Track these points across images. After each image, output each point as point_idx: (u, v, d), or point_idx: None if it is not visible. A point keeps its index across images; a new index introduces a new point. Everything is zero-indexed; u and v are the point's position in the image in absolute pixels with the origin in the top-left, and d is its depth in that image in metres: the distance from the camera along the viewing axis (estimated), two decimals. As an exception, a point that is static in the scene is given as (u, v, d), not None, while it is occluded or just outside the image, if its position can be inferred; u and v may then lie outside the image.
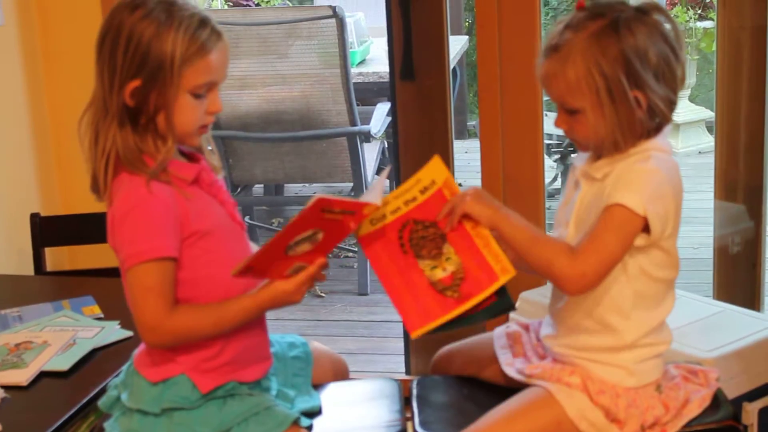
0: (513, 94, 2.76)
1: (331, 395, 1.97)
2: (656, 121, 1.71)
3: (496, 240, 1.71)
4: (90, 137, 1.70)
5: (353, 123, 3.95)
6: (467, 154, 5.45)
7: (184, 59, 1.64)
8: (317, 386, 1.95)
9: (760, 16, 2.81)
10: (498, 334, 1.97)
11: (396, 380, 2.06)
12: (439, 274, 1.72)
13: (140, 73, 1.64)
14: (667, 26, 1.71)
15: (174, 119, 1.67)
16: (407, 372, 3.12)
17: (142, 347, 1.77)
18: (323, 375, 1.99)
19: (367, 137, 4.02)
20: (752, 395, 2.30)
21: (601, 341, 1.76)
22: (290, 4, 6.48)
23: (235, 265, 1.64)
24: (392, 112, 3.05)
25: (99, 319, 2.15)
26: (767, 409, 2.29)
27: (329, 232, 1.63)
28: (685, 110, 5.55)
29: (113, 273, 1.73)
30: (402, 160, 3.00)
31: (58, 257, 2.95)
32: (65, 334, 2.04)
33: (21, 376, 1.89)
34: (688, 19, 5.60)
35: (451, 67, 3.04)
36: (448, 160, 2.97)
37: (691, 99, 5.79)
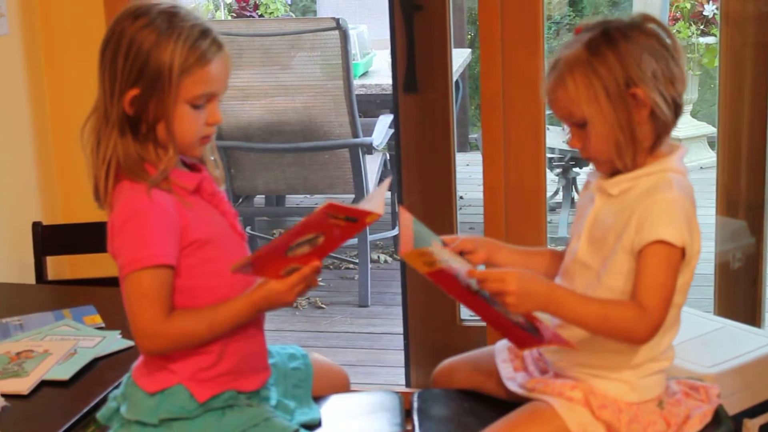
0: (515, 107, 2.77)
1: (332, 407, 1.96)
2: (660, 123, 1.70)
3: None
4: (92, 144, 1.71)
5: (355, 135, 3.96)
6: (469, 167, 5.45)
7: (182, 69, 1.65)
8: (317, 398, 1.95)
9: (763, 32, 2.82)
10: (500, 347, 1.96)
11: (397, 393, 2.05)
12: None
13: (139, 82, 1.65)
14: (661, 32, 1.72)
15: (173, 129, 1.67)
16: (407, 384, 3.11)
17: (140, 359, 1.77)
18: (323, 387, 1.99)
19: (369, 149, 4.02)
20: (753, 411, 2.30)
21: (605, 360, 1.75)
22: (294, 16, 6.49)
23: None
24: (394, 124, 3.06)
25: (100, 328, 2.15)
26: (768, 425, 2.29)
27: (330, 237, 1.64)
28: (687, 125, 5.55)
29: (114, 282, 1.72)
30: (404, 173, 3.00)
31: (59, 266, 2.95)
32: (66, 344, 2.03)
33: (22, 385, 1.88)
34: (690, 34, 5.60)
35: (454, 80, 3.04)
36: (450, 173, 2.98)
37: (693, 114, 5.79)
